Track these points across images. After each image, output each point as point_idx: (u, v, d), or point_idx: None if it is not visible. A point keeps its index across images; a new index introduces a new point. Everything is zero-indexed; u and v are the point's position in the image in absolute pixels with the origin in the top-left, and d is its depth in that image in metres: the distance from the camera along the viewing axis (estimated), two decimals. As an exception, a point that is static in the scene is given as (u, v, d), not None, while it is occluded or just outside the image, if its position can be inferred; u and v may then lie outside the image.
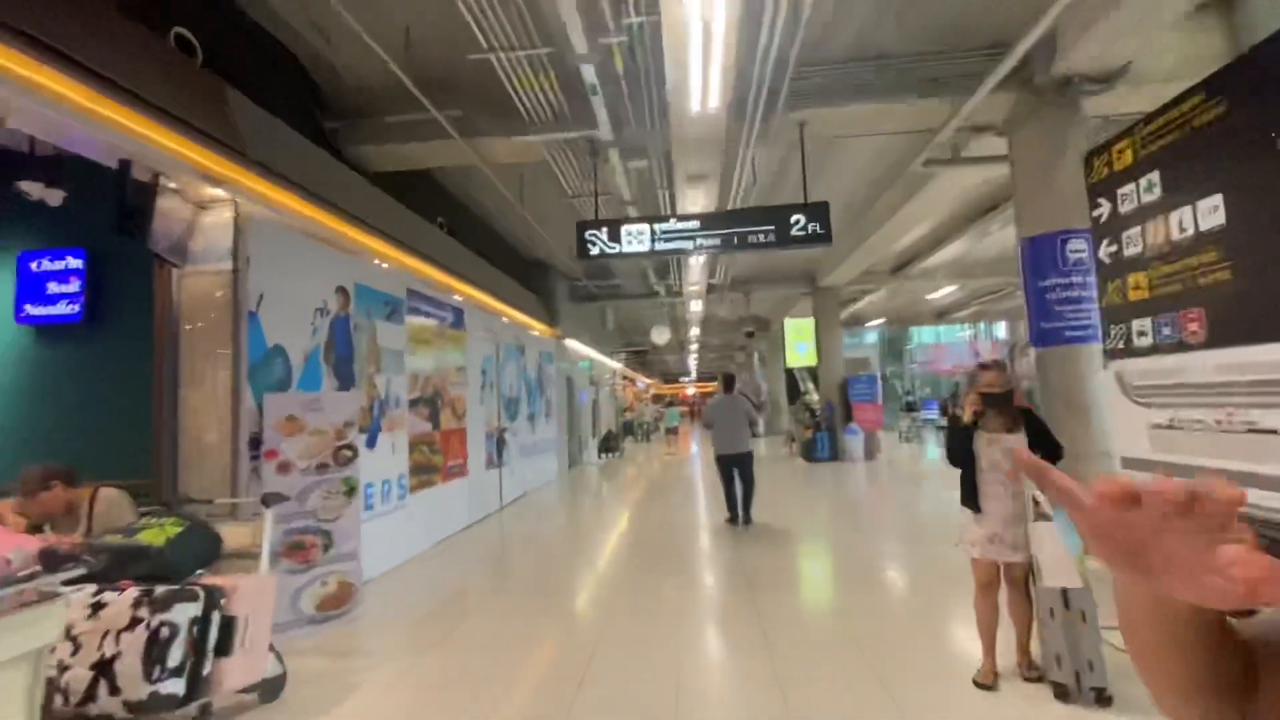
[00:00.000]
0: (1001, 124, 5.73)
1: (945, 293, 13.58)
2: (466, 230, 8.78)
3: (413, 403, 6.13)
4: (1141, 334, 4.21)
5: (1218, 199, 3.58)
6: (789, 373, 22.21)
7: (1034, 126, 5.36)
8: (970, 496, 3.12)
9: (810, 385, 26.45)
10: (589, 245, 5.72)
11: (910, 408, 17.46)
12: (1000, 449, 3.06)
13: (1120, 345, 4.44)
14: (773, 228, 5.54)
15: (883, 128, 5.98)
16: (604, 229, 5.71)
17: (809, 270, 13.93)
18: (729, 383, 7.48)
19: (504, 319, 9.37)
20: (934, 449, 15.51)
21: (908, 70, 5.32)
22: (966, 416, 3.10)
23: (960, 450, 3.14)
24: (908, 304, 19.18)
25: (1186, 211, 3.81)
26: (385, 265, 5.78)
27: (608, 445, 15.68)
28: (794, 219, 5.55)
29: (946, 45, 5.24)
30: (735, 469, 6.81)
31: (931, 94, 5.35)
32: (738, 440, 6.78)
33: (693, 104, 4.34)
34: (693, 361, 32.24)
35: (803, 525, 7.08)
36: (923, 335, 28.91)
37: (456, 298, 7.47)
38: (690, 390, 44.59)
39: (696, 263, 10.60)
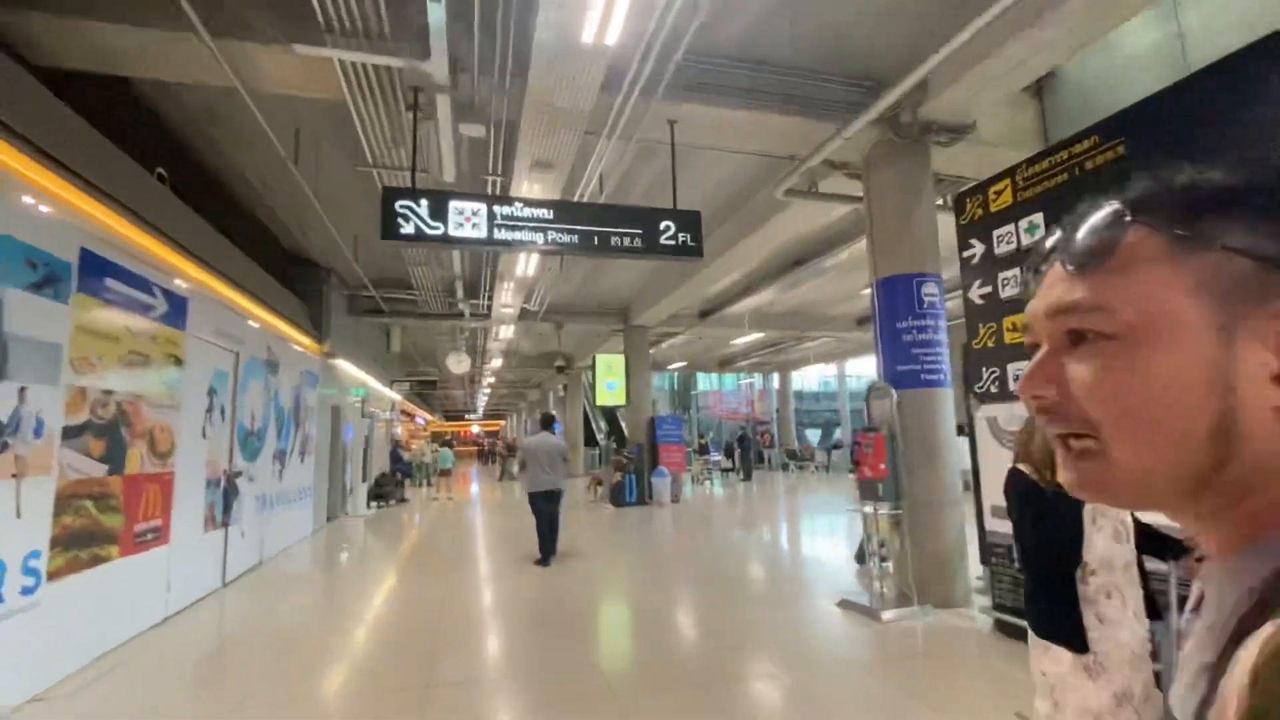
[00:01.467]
0: (859, 163, 5.66)
1: (749, 340, 14.16)
2: (203, 194, 6.39)
3: (73, 431, 3.81)
4: (1019, 377, 4.13)
5: (1114, 242, 3.57)
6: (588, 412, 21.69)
7: (892, 169, 5.32)
8: (1070, 621, 1.82)
9: (604, 425, 26.23)
10: (399, 222, 4.18)
11: (703, 450, 17.89)
12: (1117, 527, 1.88)
13: (994, 389, 4.33)
14: (640, 232, 4.63)
15: (749, 144, 5.53)
16: (423, 202, 4.23)
17: (624, 306, 13.48)
18: (547, 421, 7.45)
19: (253, 322, 6.99)
20: (720, 487, 15.94)
21: (787, 82, 4.91)
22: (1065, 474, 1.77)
23: (1068, 541, 1.86)
24: (703, 350, 19.99)
25: (1076, 254, 3.80)
26: (42, 206, 3.54)
27: (381, 491, 13.10)
28: (663, 225, 4.71)
29: (826, 66, 4.96)
30: (546, 505, 6.88)
31: (806, 113, 5.01)
32: (554, 478, 6.90)
33: (585, 33, 3.24)
34: (483, 397, 30.05)
35: (644, 594, 6.06)
36: (705, 382, 30.84)
37: (179, 283, 5.16)
38: (475, 429, 41.74)
39: (514, 281, 9.30)
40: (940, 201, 5.77)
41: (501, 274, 8.93)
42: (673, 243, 4.67)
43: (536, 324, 12.82)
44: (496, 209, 4.38)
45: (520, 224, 4.39)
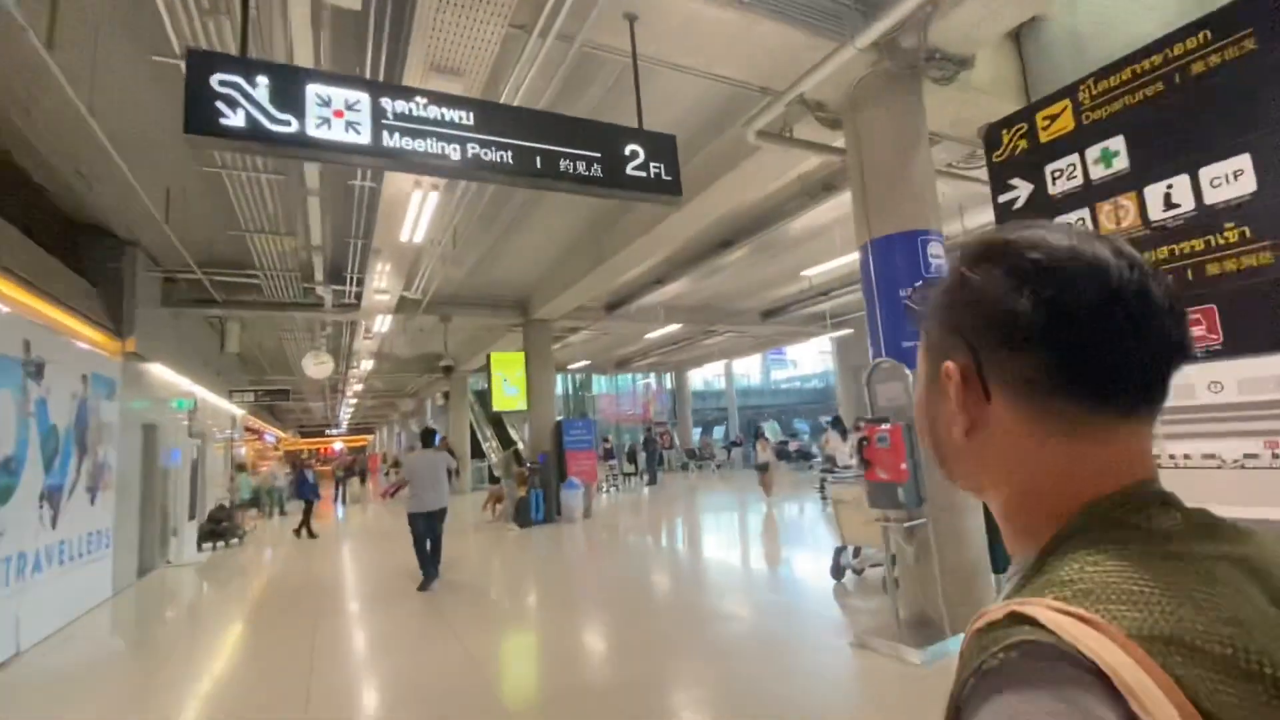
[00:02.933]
0: (838, 104, 4.74)
1: (662, 333, 13.13)
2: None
3: None
4: (1092, 346, 3.32)
5: (1243, 160, 2.82)
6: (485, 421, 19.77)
7: (884, 108, 4.44)
8: None
9: (489, 432, 24.02)
10: (220, 110, 2.52)
11: (608, 455, 16.65)
12: None
13: (1051, 362, 3.51)
14: (598, 155, 3.30)
15: (720, 63, 4.37)
16: (262, 79, 2.60)
17: (523, 298, 11.90)
18: (428, 435, 7.00)
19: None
20: (627, 494, 14.72)
21: (776, -21, 3.83)
22: None
23: None
24: (603, 349, 18.77)
25: (1180, 182, 3.03)
26: None
27: (217, 530, 10.44)
28: (629, 149, 3.41)
29: (820, -36, 3.95)
30: (430, 524, 6.41)
31: (799, 22, 3.96)
32: (439, 496, 6.47)
33: None
34: (346, 409, 26.63)
35: (599, 652, 4.68)
36: (599, 385, 29.69)
37: None
38: (338, 445, 37.35)
39: (394, 257, 7.51)
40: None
41: (378, 248, 7.12)
42: (642, 174, 3.39)
43: (417, 318, 10.90)
44: (387, 103, 2.83)
45: (424, 129, 2.89)
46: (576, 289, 10.24)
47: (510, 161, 3.07)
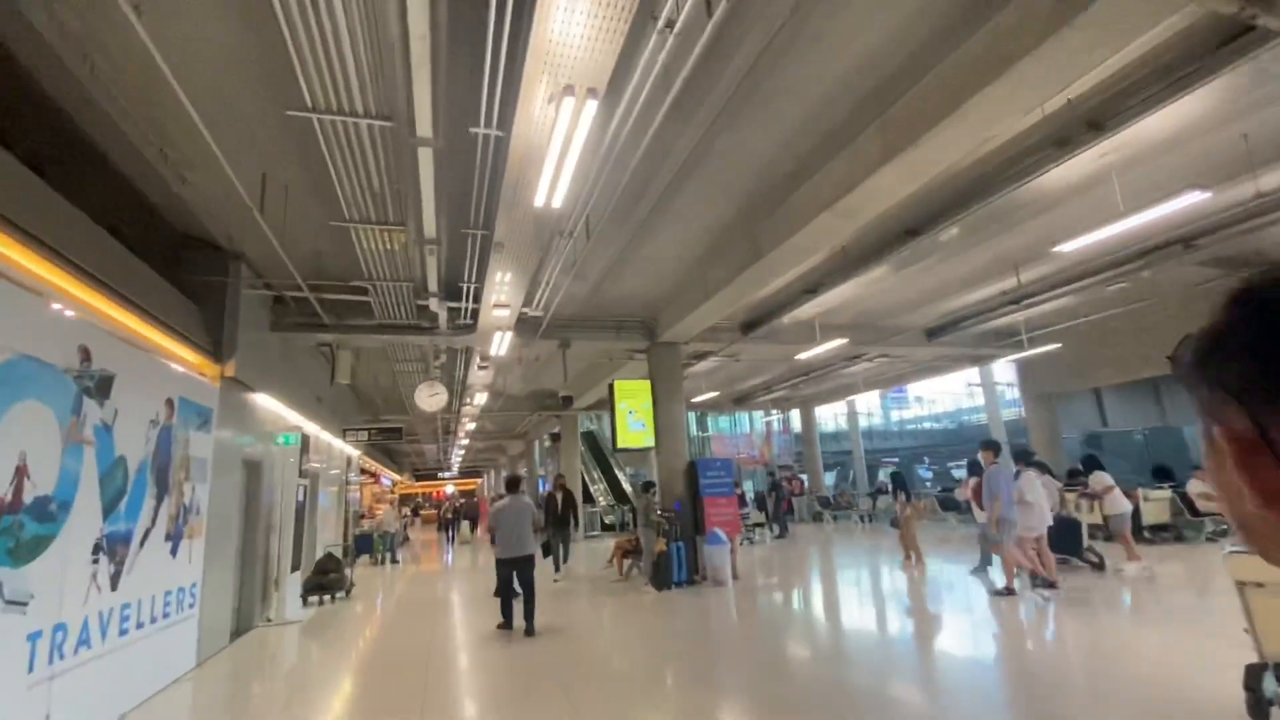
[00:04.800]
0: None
1: (813, 354, 11.07)
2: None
3: None
4: None
5: None
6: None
7: None
8: None
9: (597, 475, 22.42)
10: None
11: (741, 503, 14.50)
12: None
13: None
14: None
15: None
16: None
17: (649, 317, 10.36)
18: (513, 483, 7.13)
19: (48, 300, 3.71)
20: (763, 549, 12.40)
21: None
22: None
23: None
24: (726, 380, 16.90)
25: None
26: None
27: (323, 581, 9.41)
28: None
29: None
30: (516, 572, 6.54)
31: None
32: (522, 543, 6.52)
33: None
34: (458, 452, 26.25)
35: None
36: (713, 424, 27.71)
37: None
38: (449, 489, 37.48)
39: (511, 265, 6.20)
40: None
41: (499, 241, 5.79)
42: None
43: (535, 342, 9.63)
44: None
45: None
46: (718, 299, 8.52)
47: None
